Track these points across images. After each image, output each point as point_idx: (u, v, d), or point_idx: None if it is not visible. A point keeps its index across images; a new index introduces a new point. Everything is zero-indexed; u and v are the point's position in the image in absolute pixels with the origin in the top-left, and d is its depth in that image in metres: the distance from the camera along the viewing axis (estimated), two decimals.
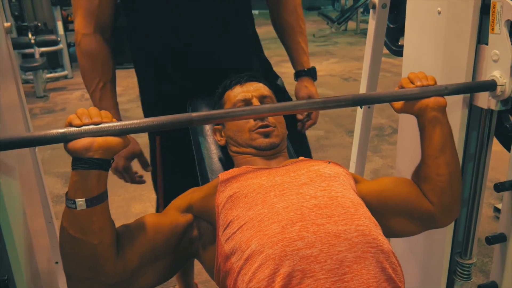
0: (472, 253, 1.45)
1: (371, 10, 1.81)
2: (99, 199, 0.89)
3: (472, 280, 1.49)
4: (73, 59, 6.68)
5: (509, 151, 1.24)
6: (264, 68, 1.56)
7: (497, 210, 2.57)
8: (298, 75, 1.60)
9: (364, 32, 8.90)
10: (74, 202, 0.87)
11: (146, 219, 1.04)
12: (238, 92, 1.24)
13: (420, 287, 1.56)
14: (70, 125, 0.89)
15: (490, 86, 1.15)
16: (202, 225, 1.07)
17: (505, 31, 1.11)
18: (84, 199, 0.87)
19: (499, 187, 1.24)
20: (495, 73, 1.15)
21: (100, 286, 0.93)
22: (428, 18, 1.31)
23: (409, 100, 1.10)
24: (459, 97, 1.26)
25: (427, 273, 1.53)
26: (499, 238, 1.29)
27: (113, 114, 1.34)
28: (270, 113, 1.09)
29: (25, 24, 5.90)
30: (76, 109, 0.89)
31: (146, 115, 1.54)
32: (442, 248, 1.45)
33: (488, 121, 1.26)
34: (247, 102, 1.21)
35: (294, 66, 1.61)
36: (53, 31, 6.25)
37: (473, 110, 1.30)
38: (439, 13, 1.27)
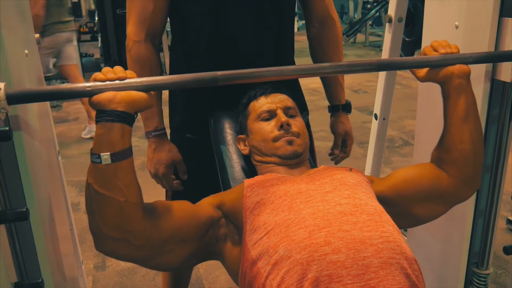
0: (489, 263, 1.47)
1: (387, 24, 1.85)
2: (123, 154, 0.92)
3: None
4: (85, 69, 6.77)
5: None
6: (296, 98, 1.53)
7: (510, 222, 2.58)
8: (335, 109, 1.61)
9: (373, 45, 8.93)
10: (99, 157, 0.90)
11: (184, 202, 1.08)
12: (263, 103, 1.27)
13: None
14: (95, 80, 0.92)
15: None
16: (229, 226, 1.10)
17: None
18: (109, 153, 0.90)
19: None
20: None
21: (126, 246, 0.95)
22: (445, 32, 1.34)
23: (433, 67, 1.10)
24: (481, 72, 1.27)
25: (444, 283, 1.54)
26: None
27: (156, 121, 1.40)
28: (295, 75, 1.09)
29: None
30: None
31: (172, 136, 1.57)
32: (458, 258, 1.47)
33: (511, 96, 1.27)
34: (271, 113, 1.25)
35: (330, 99, 1.61)
36: None
37: (495, 85, 1.30)
38: (457, 27, 1.31)
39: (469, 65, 1.10)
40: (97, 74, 0.93)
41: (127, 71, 0.95)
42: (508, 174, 1.43)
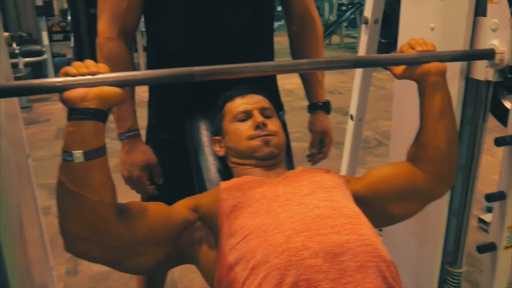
0: (462, 262, 1.49)
1: (363, 26, 1.86)
2: (97, 152, 0.88)
3: None
4: (57, 69, 6.64)
5: (505, 126, 1.27)
6: (273, 98, 1.49)
7: (481, 220, 2.63)
8: (313, 107, 1.59)
9: (348, 46, 9.03)
10: (71, 154, 0.86)
11: (159, 204, 1.05)
12: (239, 104, 1.25)
13: None
14: (66, 75, 0.88)
15: (489, 54, 1.18)
16: (205, 230, 1.08)
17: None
18: (82, 151, 0.86)
19: (490, 198, 1.28)
20: (494, 42, 1.18)
21: (98, 247, 0.92)
22: (421, 34, 1.35)
23: (410, 64, 1.11)
24: (456, 71, 1.28)
25: (419, 282, 1.56)
26: (490, 247, 1.33)
27: (129, 121, 1.36)
28: (273, 71, 1.07)
29: (10, 34, 5.85)
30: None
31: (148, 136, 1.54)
32: (433, 257, 1.48)
33: (485, 94, 1.29)
34: (248, 113, 1.23)
35: (309, 97, 1.60)
36: (38, 41, 6.20)
37: (469, 84, 1.31)
38: (432, 29, 1.32)
39: (445, 63, 1.12)
40: (68, 69, 0.89)
41: (99, 65, 0.91)
42: (479, 173, 1.45)
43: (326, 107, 1.59)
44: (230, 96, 1.29)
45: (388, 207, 1.15)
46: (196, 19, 1.36)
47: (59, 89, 0.87)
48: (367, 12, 1.88)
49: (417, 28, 1.37)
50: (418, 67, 1.10)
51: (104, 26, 1.32)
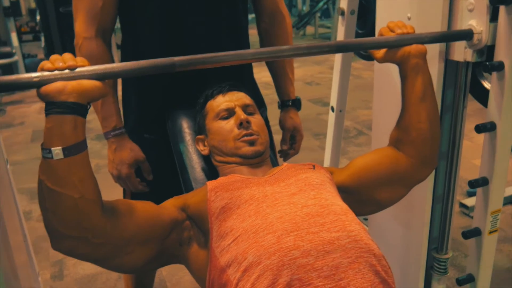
0: (448, 247, 1.51)
1: (340, 17, 1.86)
2: (77, 148, 0.86)
3: (448, 274, 1.55)
4: (29, 70, 6.50)
5: (486, 106, 1.28)
6: (254, 95, 1.49)
7: (463, 205, 2.68)
8: (284, 105, 1.61)
9: (322, 37, 9.05)
10: (50, 151, 0.84)
11: (147, 203, 1.04)
12: (221, 102, 1.24)
13: (400, 283, 1.61)
14: (43, 70, 0.85)
15: (467, 34, 1.18)
16: (194, 229, 1.07)
17: None
18: (60, 147, 0.84)
19: (473, 184, 1.30)
20: (471, 22, 1.19)
21: (85, 245, 0.90)
22: None
23: (390, 47, 1.11)
24: (435, 53, 1.29)
25: (406, 270, 1.58)
26: (475, 232, 1.35)
27: (114, 120, 1.35)
28: (254, 59, 1.06)
29: None
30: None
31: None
32: (419, 244, 1.50)
33: (464, 75, 1.30)
34: (230, 111, 1.22)
35: (279, 94, 1.62)
36: (7, 42, 6.05)
37: (448, 66, 1.32)
38: (409, 18, 1.33)
39: (424, 45, 1.12)
40: (45, 63, 0.86)
41: (78, 58, 0.88)
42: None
43: (296, 104, 1.62)
44: (211, 94, 1.28)
45: (375, 194, 1.17)
46: (171, 16, 1.34)
47: (36, 85, 0.84)
48: (343, 3, 1.89)
49: (394, 18, 1.37)
50: (399, 50, 1.11)
51: (81, 26, 1.30)
